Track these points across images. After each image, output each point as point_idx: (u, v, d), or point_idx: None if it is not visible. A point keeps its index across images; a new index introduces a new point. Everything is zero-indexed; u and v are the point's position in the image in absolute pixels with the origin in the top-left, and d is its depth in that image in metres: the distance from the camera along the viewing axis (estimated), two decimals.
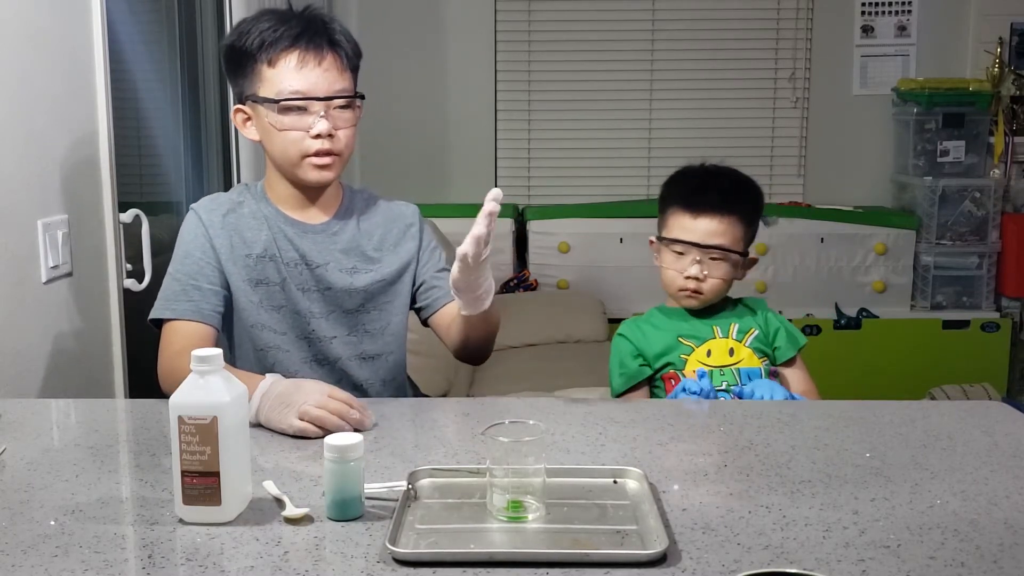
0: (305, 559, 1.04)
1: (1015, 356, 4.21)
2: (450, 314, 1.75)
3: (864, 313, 4.16)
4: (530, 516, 1.14)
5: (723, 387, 1.87)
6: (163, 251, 2.55)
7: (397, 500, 1.16)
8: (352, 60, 1.73)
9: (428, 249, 1.85)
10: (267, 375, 1.52)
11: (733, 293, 2.02)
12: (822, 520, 1.14)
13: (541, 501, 1.16)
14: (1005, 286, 4.25)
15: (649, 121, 4.53)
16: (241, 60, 1.69)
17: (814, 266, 4.17)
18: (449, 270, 1.73)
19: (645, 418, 1.57)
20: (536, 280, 4.27)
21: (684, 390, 1.78)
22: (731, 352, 1.92)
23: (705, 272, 1.91)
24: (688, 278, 1.91)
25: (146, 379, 2.27)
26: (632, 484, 1.24)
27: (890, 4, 4.43)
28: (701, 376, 1.81)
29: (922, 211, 4.23)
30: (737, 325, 1.95)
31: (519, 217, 4.36)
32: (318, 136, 1.66)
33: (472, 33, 4.47)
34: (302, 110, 1.66)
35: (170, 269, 1.72)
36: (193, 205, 1.76)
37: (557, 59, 4.49)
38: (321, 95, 1.66)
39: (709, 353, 1.92)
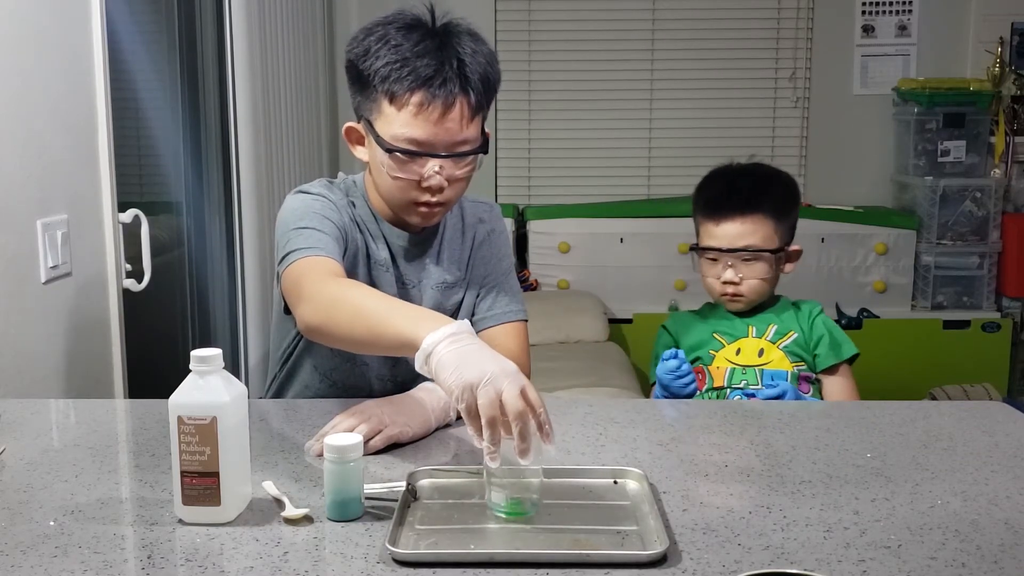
0: (305, 559, 1.04)
1: (1016, 356, 4.21)
2: (487, 339, 1.56)
3: (865, 313, 4.15)
4: (529, 512, 1.14)
5: (741, 385, 1.87)
6: (163, 251, 2.55)
7: (397, 500, 1.16)
8: (484, 103, 1.53)
9: (495, 259, 1.75)
10: (459, 320, 1.27)
11: (796, 294, 2.02)
12: (823, 520, 1.14)
13: (539, 500, 1.16)
14: (1006, 286, 4.24)
15: (649, 121, 4.53)
16: (361, 80, 1.53)
17: (814, 266, 4.17)
18: (506, 290, 1.70)
19: (645, 418, 1.57)
20: (536, 280, 4.27)
21: (662, 359, 1.82)
22: (760, 353, 1.91)
23: (740, 275, 1.92)
24: (725, 283, 1.92)
25: (146, 379, 2.28)
26: (632, 484, 1.23)
27: (890, 4, 4.43)
28: (676, 355, 1.82)
29: (923, 211, 4.23)
30: (776, 326, 1.95)
31: (519, 217, 4.36)
32: (429, 188, 1.53)
33: None
34: (417, 157, 1.52)
35: (298, 225, 1.55)
36: (310, 188, 1.62)
37: (557, 59, 4.49)
38: (440, 149, 1.50)
39: (739, 351, 1.92)
